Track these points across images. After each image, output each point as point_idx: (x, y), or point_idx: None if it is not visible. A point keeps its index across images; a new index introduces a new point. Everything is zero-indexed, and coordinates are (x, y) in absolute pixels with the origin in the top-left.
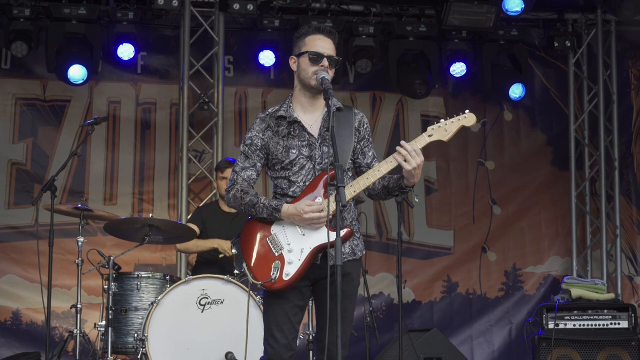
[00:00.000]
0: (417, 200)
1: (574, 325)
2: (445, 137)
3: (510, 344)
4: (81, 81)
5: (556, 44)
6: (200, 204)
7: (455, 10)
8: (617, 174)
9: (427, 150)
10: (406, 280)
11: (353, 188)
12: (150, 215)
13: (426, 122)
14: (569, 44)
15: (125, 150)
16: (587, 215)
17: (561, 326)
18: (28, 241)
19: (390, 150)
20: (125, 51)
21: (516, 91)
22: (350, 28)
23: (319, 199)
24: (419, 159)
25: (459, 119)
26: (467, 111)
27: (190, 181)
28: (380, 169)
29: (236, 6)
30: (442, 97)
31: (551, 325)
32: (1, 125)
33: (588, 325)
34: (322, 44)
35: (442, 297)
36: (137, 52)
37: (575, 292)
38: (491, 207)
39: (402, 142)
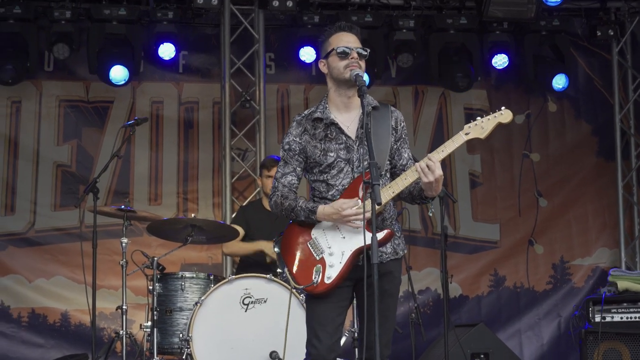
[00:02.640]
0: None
1: (622, 318)
2: (482, 134)
3: (560, 338)
4: (123, 82)
5: (599, 33)
6: (244, 203)
7: (496, 2)
8: None
9: (471, 143)
10: (453, 275)
11: (392, 189)
12: (193, 215)
13: (469, 115)
14: (612, 33)
15: (169, 150)
16: (634, 205)
17: (608, 319)
18: (75, 243)
19: (434, 144)
20: (166, 51)
21: (559, 82)
22: (391, 22)
23: (358, 201)
24: (434, 174)
25: (495, 116)
26: (503, 108)
27: (234, 180)
28: (412, 174)
29: (276, 3)
30: (485, 90)
31: (598, 319)
32: (46, 127)
33: (636, 317)
34: (347, 39)
35: (490, 292)
36: (178, 51)
37: (622, 284)
38: (537, 200)
39: (429, 155)
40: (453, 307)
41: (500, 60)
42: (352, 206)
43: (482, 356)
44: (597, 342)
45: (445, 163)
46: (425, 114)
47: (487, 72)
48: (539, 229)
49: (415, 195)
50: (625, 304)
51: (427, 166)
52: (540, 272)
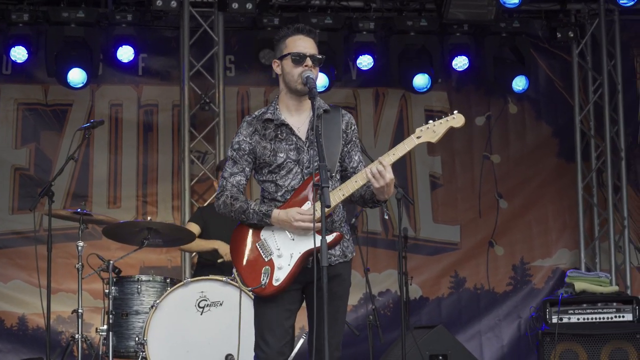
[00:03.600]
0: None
1: (578, 319)
2: (433, 138)
3: (520, 339)
4: (81, 85)
5: (559, 35)
6: (203, 205)
7: (456, 4)
8: (623, 164)
9: (432, 145)
10: (413, 277)
11: (342, 191)
12: (149, 218)
13: (430, 117)
14: (572, 35)
15: (128, 153)
16: (594, 207)
17: (565, 320)
18: (32, 246)
19: (394, 146)
20: (125, 53)
21: (519, 83)
22: (351, 24)
23: (309, 203)
24: (385, 179)
25: (447, 120)
26: (455, 112)
27: (193, 182)
28: (363, 177)
29: (235, 5)
30: (445, 92)
31: (555, 320)
32: (4, 131)
33: (592, 319)
34: (303, 44)
35: (450, 293)
36: (137, 54)
37: (579, 285)
38: (497, 201)
39: (380, 159)
40: (413, 308)
41: (460, 62)
42: (305, 219)
43: (440, 358)
44: (554, 343)
45: (406, 164)
46: (386, 116)
47: (447, 74)
48: (499, 231)
49: (367, 199)
50: (582, 305)
51: (378, 171)
52: (500, 273)
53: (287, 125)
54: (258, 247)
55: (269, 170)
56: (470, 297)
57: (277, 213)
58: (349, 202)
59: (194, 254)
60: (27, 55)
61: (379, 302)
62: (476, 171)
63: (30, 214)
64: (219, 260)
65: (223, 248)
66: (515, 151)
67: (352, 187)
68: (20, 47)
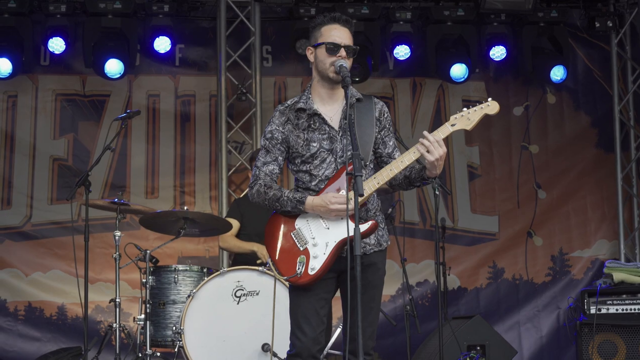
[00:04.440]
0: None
1: (617, 310)
2: (468, 126)
3: (558, 330)
4: (118, 75)
5: (598, 24)
6: (240, 196)
7: None
8: None
9: (470, 135)
10: (451, 267)
11: (377, 180)
12: (186, 208)
13: (467, 107)
14: (610, 24)
15: (166, 144)
16: (634, 197)
17: (603, 311)
18: (70, 236)
19: None
20: (162, 44)
21: (557, 73)
22: (388, 14)
23: (343, 192)
24: (441, 150)
25: (481, 108)
26: (489, 99)
27: (230, 173)
28: (404, 160)
29: None
30: (483, 82)
31: (593, 311)
32: (42, 122)
33: (631, 309)
34: (339, 34)
35: (488, 284)
36: (174, 44)
37: (618, 276)
38: (536, 192)
39: (425, 133)
40: (451, 299)
41: (498, 52)
42: (341, 202)
43: (478, 348)
44: (592, 334)
45: None
46: (423, 106)
47: (485, 64)
48: (537, 221)
49: (413, 178)
50: (620, 296)
51: (436, 140)
52: (539, 264)
53: (319, 115)
54: (293, 236)
55: (302, 160)
56: (509, 287)
57: (311, 199)
58: (385, 191)
59: None
60: (64, 46)
61: (416, 293)
62: (514, 161)
63: (68, 204)
64: (258, 262)
65: (261, 250)
66: (554, 141)
67: (387, 175)
68: (58, 38)
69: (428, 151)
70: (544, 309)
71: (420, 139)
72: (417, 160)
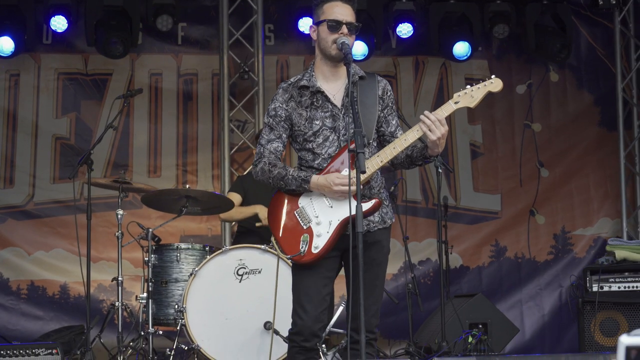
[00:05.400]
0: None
1: (619, 287)
2: (471, 103)
3: (561, 308)
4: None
5: (601, 2)
6: (243, 174)
7: None
8: None
9: (472, 113)
10: (453, 246)
11: (380, 158)
12: (188, 186)
13: (470, 85)
14: (614, 2)
15: (168, 122)
16: (636, 175)
17: (605, 289)
18: (73, 215)
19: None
20: (164, 22)
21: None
22: None
23: (346, 170)
24: (443, 128)
25: (485, 85)
26: (493, 76)
27: (233, 151)
28: (407, 138)
29: None
30: (486, 60)
31: (595, 288)
32: (45, 100)
33: (633, 287)
34: (341, 11)
35: (490, 262)
36: (176, 23)
37: (620, 253)
38: (538, 170)
39: (426, 112)
40: (453, 278)
41: (501, 30)
42: (343, 182)
43: (480, 326)
44: (595, 312)
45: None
46: (426, 85)
47: (488, 42)
48: (540, 199)
49: (415, 156)
50: (623, 274)
51: (437, 120)
52: (541, 242)
53: (322, 93)
54: (296, 214)
55: (305, 139)
56: (511, 266)
57: (316, 178)
58: (388, 169)
59: (234, 223)
60: (67, 24)
61: (418, 271)
62: (517, 140)
63: (71, 184)
64: (257, 224)
65: (263, 212)
66: (557, 120)
67: (390, 154)
68: (60, 16)
69: (430, 130)
70: (546, 287)
71: (422, 117)
72: (420, 139)
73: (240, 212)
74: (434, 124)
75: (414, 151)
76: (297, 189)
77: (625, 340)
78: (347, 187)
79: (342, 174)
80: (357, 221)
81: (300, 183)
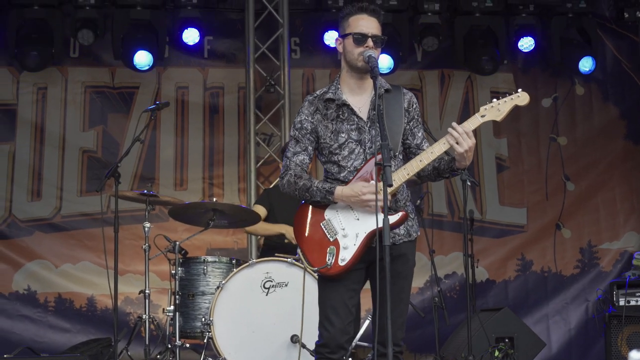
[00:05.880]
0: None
1: None
2: (498, 117)
3: (587, 322)
4: (147, 67)
5: (626, 15)
6: (269, 187)
7: None
8: None
9: (498, 127)
10: (479, 260)
11: (406, 171)
12: (215, 199)
13: (496, 98)
14: (639, 15)
15: (195, 136)
16: None
17: (632, 303)
18: (100, 228)
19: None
20: (191, 36)
21: (586, 64)
22: (416, 5)
23: (372, 182)
24: (471, 141)
25: (512, 99)
26: (520, 90)
27: (259, 164)
28: (434, 151)
29: None
30: (511, 73)
31: (622, 303)
32: (72, 114)
33: None
34: (366, 24)
35: (517, 276)
36: (202, 36)
37: None
38: (564, 184)
39: (454, 124)
40: (480, 291)
41: (526, 43)
42: (372, 191)
43: (506, 340)
44: (621, 326)
45: None
46: (451, 98)
47: (513, 56)
48: (566, 213)
49: (442, 169)
50: None
51: (465, 132)
52: (567, 256)
53: (348, 106)
54: (322, 227)
55: (331, 151)
56: (537, 280)
57: (340, 189)
58: (414, 183)
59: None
60: (94, 38)
61: (445, 285)
62: (543, 153)
63: (97, 196)
64: (286, 241)
65: (289, 232)
66: (582, 133)
67: (416, 167)
68: (87, 30)
69: (457, 142)
70: (572, 301)
71: (449, 130)
72: (446, 152)
73: (265, 229)
74: (461, 137)
75: (442, 163)
76: (321, 201)
77: (635, 355)
78: (374, 196)
79: (368, 183)
80: (384, 234)
81: (324, 194)
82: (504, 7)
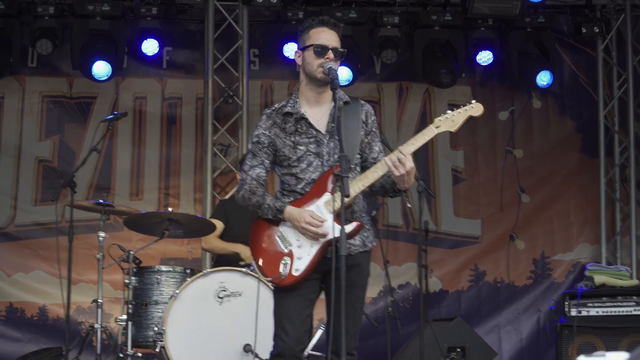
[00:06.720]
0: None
1: (597, 312)
2: (453, 127)
3: (539, 333)
4: (105, 77)
5: (584, 30)
6: (225, 197)
7: None
8: None
9: (454, 139)
10: (433, 270)
11: (362, 182)
12: (170, 209)
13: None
14: (597, 30)
15: (151, 146)
16: (616, 202)
17: (584, 313)
18: (54, 237)
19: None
20: (150, 47)
21: (543, 78)
22: (375, 18)
23: (327, 194)
24: (405, 167)
25: (466, 110)
26: (474, 101)
27: (215, 175)
28: (377, 171)
29: None
30: (469, 86)
31: (574, 313)
32: (29, 123)
33: (611, 312)
34: (327, 37)
35: (470, 286)
36: (162, 47)
37: (599, 278)
38: (519, 196)
39: (400, 148)
40: (433, 301)
41: (485, 57)
42: (315, 224)
43: (458, 350)
44: (573, 336)
45: (428, 158)
46: (409, 110)
47: (472, 69)
48: (520, 225)
49: (388, 188)
50: (601, 298)
51: (398, 159)
52: (520, 267)
53: (306, 119)
54: (277, 238)
55: (289, 164)
56: (490, 290)
57: (289, 210)
58: (369, 194)
59: None
60: (52, 48)
61: (398, 295)
62: (499, 166)
63: (53, 206)
64: (241, 263)
65: (245, 252)
66: (539, 146)
67: (372, 177)
68: (46, 39)
69: (394, 166)
70: (524, 311)
71: (384, 158)
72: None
73: (222, 248)
74: (394, 164)
75: (387, 182)
76: (273, 218)
77: None
78: (314, 229)
79: (315, 214)
80: (340, 244)
81: (275, 213)
82: (463, 21)
